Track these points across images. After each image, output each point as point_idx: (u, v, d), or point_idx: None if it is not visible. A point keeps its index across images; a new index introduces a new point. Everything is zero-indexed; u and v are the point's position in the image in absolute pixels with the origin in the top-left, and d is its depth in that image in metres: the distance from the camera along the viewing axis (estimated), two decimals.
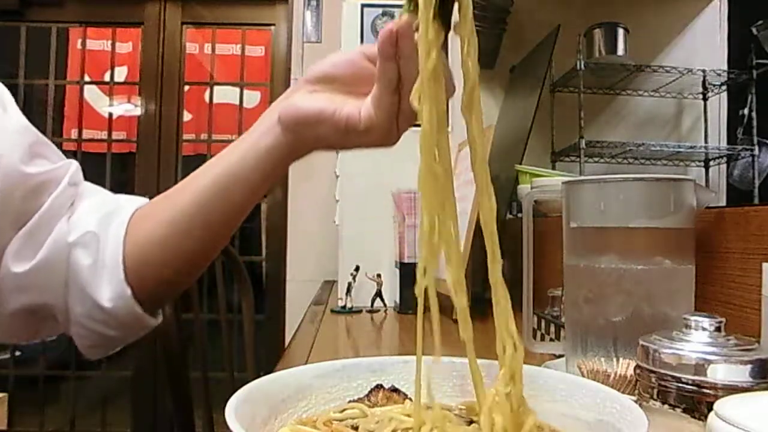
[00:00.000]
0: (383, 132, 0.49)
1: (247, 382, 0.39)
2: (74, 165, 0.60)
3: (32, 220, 0.55)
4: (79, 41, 2.63)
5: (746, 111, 2.20)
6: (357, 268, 1.38)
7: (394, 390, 0.43)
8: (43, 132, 0.60)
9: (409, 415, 0.38)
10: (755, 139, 2.17)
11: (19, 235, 0.55)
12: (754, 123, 2.18)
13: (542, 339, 0.88)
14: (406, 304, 1.34)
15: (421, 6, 0.37)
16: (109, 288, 0.55)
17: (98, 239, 0.56)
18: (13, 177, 0.54)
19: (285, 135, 0.52)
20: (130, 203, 0.60)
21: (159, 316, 0.61)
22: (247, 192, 0.55)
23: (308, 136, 0.51)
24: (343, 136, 0.50)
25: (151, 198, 0.61)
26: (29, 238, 0.55)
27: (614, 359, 0.57)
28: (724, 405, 0.32)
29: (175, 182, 0.58)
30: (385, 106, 0.48)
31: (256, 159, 0.53)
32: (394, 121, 0.48)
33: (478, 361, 0.44)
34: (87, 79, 2.64)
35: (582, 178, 0.94)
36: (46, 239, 0.55)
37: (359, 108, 0.49)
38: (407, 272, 1.33)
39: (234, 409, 0.34)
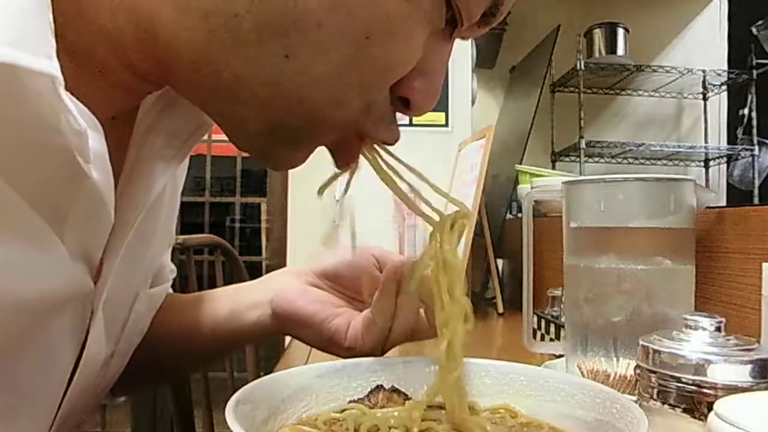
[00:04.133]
0: (366, 353, 0.48)
1: (247, 382, 0.39)
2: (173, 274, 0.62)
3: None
4: None
5: (746, 111, 2.20)
6: None
7: (395, 390, 0.43)
8: None
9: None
10: (755, 139, 2.18)
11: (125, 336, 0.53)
12: (754, 123, 2.18)
13: (542, 339, 0.88)
14: None
15: None
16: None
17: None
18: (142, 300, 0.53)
19: (273, 319, 0.53)
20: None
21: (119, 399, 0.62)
22: (231, 348, 0.65)
23: (294, 331, 0.53)
24: (326, 345, 0.51)
25: None
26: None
27: (614, 359, 0.57)
28: (724, 405, 0.32)
29: None
30: (373, 334, 0.48)
31: (241, 328, 0.55)
32: (379, 346, 0.49)
33: (476, 360, 0.44)
34: None
35: (582, 178, 0.94)
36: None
37: (348, 323, 0.49)
38: None
39: (234, 409, 0.34)
